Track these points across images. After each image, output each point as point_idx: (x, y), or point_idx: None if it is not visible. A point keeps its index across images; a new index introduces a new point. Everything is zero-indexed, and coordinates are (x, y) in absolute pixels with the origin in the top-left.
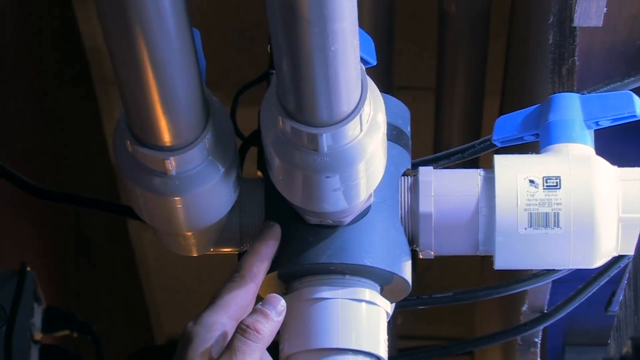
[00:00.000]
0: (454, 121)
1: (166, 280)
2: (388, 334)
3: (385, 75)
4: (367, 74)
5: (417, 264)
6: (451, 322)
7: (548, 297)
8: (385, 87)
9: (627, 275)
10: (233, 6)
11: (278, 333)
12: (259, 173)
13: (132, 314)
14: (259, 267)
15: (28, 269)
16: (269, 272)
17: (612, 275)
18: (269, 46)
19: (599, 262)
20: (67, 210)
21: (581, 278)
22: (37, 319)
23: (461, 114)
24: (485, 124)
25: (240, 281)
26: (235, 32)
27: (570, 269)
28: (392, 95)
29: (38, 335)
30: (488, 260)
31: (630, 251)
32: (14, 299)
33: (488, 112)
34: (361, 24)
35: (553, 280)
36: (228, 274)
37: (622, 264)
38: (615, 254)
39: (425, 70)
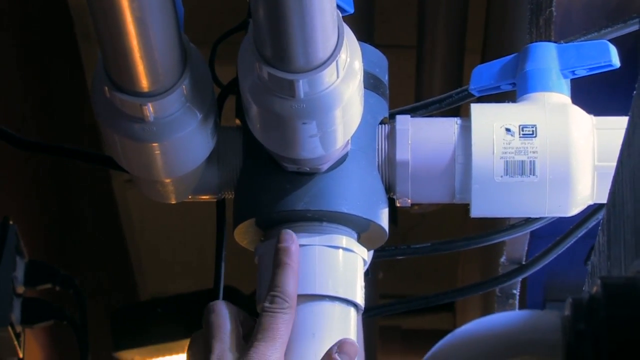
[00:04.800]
0: (435, 79)
1: (150, 238)
2: (368, 286)
3: (366, 33)
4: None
5: (398, 218)
6: (433, 282)
7: (526, 249)
8: None
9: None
10: None
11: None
12: (237, 121)
13: (116, 271)
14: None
15: (10, 222)
16: (246, 218)
17: (590, 227)
18: None
19: (574, 210)
20: (51, 166)
21: (560, 233)
22: (20, 273)
23: (442, 71)
24: (466, 82)
25: (291, 311)
26: None
27: (548, 220)
28: None
29: (20, 289)
30: (470, 216)
31: (605, 199)
32: None
33: (469, 70)
34: None
35: (532, 236)
36: (210, 236)
37: (599, 216)
38: (591, 202)
39: (406, 28)
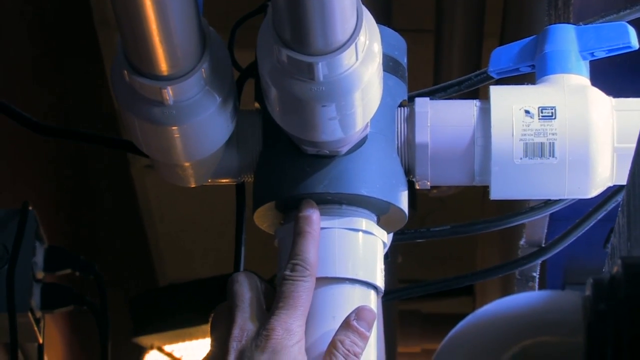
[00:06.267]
0: (453, 62)
1: (169, 224)
2: (388, 270)
3: (385, 17)
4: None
5: (417, 202)
6: (452, 266)
7: (545, 231)
8: None
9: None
10: None
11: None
12: (257, 104)
13: (134, 257)
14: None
15: (30, 207)
16: (265, 201)
17: (609, 209)
18: None
19: (594, 191)
20: (69, 151)
21: (579, 216)
22: (39, 258)
23: (460, 55)
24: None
25: (311, 279)
26: None
27: (567, 202)
28: None
29: (40, 274)
30: (489, 199)
31: (625, 181)
32: (15, 237)
33: (487, 54)
34: None
35: (551, 219)
36: (230, 221)
37: (619, 198)
38: (610, 184)
39: (424, 12)
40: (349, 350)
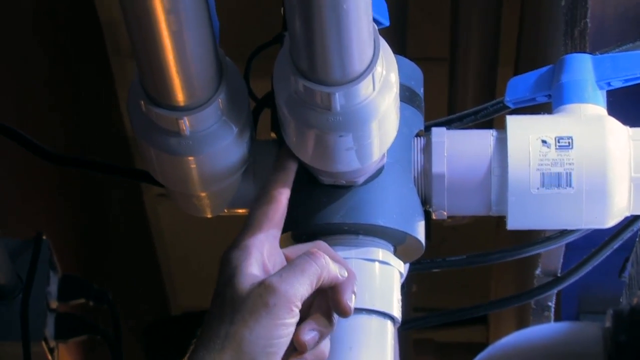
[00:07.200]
0: (468, 91)
1: (182, 253)
2: (402, 299)
3: (399, 46)
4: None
5: (431, 231)
6: (466, 294)
7: (561, 261)
8: None
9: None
10: None
11: None
12: (273, 134)
13: (147, 285)
14: (285, 180)
15: (44, 237)
16: (283, 232)
17: (625, 239)
18: (282, 8)
19: (611, 221)
20: (82, 180)
21: (595, 246)
22: (53, 287)
23: (475, 83)
24: (500, 95)
25: (269, 197)
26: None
27: (583, 232)
28: None
29: (54, 304)
30: (503, 228)
31: None
32: (29, 267)
33: (502, 83)
34: None
35: (567, 248)
36: None
37: (635, 228)
38: (628, 214)
39: (439, 41)
40: (316, 253)
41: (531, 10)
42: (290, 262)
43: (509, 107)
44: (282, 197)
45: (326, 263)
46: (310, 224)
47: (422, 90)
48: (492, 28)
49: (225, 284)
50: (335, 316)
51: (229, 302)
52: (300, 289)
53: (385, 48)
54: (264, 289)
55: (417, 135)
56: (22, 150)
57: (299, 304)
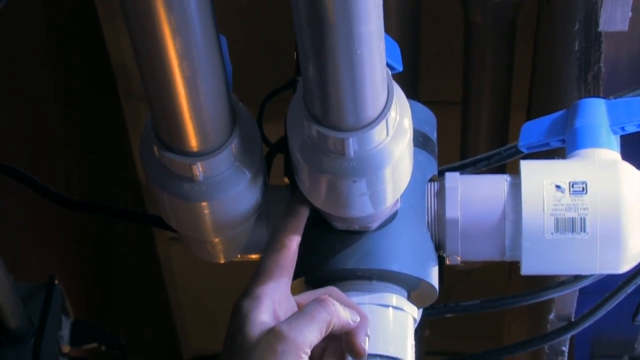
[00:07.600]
0: (480, 135)
1: (193, 296)
2: (415, 344)
3: (413, 89)
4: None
5: (444, 275)
6: (479, 338)
7: (575, 306)
8: None
9: None
10: (259, 25)
11: None
12: (286, 179)
13: (159, 329)
14: (296, 226)
15: (56, 282)
16: (295, 277)
17: (639, 283)
18: (295, 53)
19: (626, 267)
20: (94, 225)
21: (608, 290)
22: (65, 332)
23: (488, 127)
24: (512, 138)
25: (279, 244)
26: (261, 47)
27: (597, 277)
28: None
29: (66, 348)
30: (515, 271)
31: None
32: (42, 312)
33: (515, 126)
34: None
35: (580, 293)
36: None
37: None
38: None
39: (452, 85)
40: (326, 301)
41: (544, 54)
42: (300, 310)
43: (522, 152)
44: (293, 243)
45: (336, 309)
46: (324, 270)
47: (435, 135)
48: (504, 71)
49: (236, 331)
50: None
51: (239, 350)
52: (310, 335)
53: (399, 93)
54: (273, 336)
55: (431, 180)
56: (36, 195)
57: (308, 351)
